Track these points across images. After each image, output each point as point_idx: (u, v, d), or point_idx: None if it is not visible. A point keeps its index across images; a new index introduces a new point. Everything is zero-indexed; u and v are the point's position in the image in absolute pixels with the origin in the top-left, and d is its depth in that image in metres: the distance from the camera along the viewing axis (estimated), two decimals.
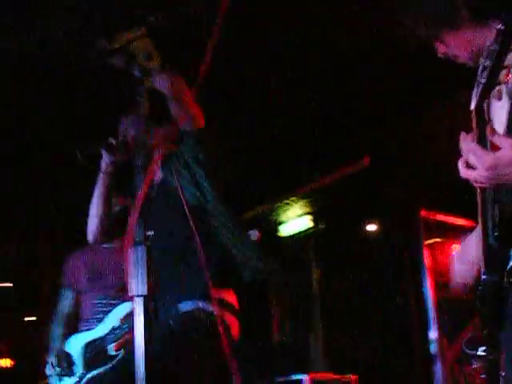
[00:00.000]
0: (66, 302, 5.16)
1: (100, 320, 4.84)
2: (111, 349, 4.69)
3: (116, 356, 4.67)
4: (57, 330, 5.13)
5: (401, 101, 6.51)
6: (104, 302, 4.88)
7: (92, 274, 4.98)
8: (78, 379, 4.77)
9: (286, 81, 6.21)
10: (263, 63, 5.93)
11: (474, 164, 1.96)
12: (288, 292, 9.42)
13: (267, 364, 8.07)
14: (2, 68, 5.51)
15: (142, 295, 1.92)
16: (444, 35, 2.34)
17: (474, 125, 1.99)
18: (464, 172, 2.01)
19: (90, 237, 4.40)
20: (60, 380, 4.89)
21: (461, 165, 2.02)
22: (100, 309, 4.87)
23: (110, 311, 4.82)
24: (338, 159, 7.51)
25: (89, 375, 4.73)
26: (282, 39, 5.68)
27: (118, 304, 4.81)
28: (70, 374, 4.82)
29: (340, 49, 5.83)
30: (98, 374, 4.70)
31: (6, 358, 11.02)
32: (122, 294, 4.82)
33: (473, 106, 1.99)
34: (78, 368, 4.80)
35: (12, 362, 11.03)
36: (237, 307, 3.74)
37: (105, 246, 5.10)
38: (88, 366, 4.75)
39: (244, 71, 5.98)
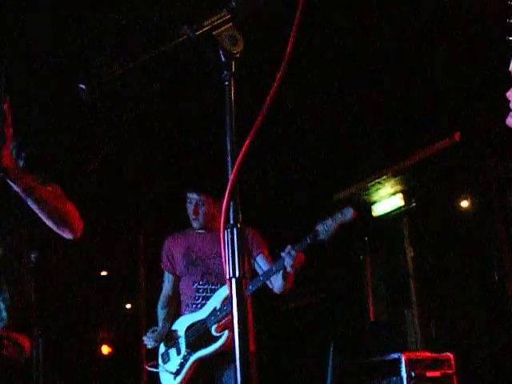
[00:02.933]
0: (166, 285, 5.28)
1: (201, 304, 4.93)
2: (214, 330, 4.78)
3: (219, 337, 4.76)
4: (162, 311, 5.26)
5: (490, 73, 6.39)
6: (204, 287, 4.97)
7: (190, 259, 5.06)
8: (182, 359, 4.88)
9: (376, 58, 6.15)
10: (353, 40, 5.89)
11: None
12: (383, 271, 9.38)
13: (364, 343, 8.05)
14: None
15: (234, 277, 1.94)
16: None
17: None
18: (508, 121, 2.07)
19: None
20: (167, 358, 5.02)
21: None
22: (200, 294, 4.96)
23: (210, 296, 4.91)
24: (428, 136, 7.43)
25: (194, 355, 4.85)
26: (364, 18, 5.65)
27: (217, 288, 4.91)
28: (177, 353, 4.94)
29: (426, 23, 5.76)
30: (203, 355, 4.80)
31: (106, 344, 11.25)
32: (221, 277, 4.92)
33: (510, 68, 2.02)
34: (183, 348, 4.92)
35: (112, 349, 11.25)
36: None
37: (199, 231, 5.19)
38: (193, 347, 4.86)
39: (332, 48, 5.95)
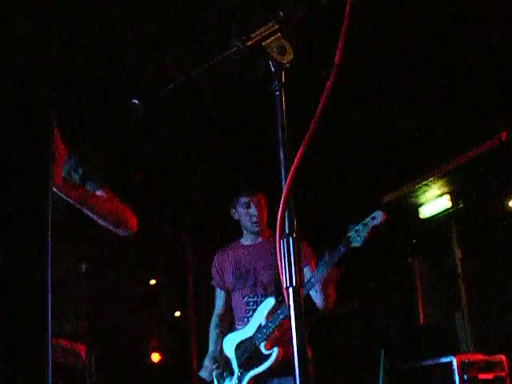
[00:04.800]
0: (218, 302, 5.23)
1: (251, 317, 4.90)
2: (263, 347, 4.73)
3: (270, 355, 4.71)
4: (213, 332, 5.21)
5: None
6: (254, 299, 4.91)
7: (239, 273, 5.03)
8: (237, 380, 4.82)
9: (424, 59, 6.12)
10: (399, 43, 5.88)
11: None
12: (432, 273, 9.32)
13: (414, 347, 8.01)
14: None
15: (291, 286, 1.94)
16: None
17: None
18: None
19: None
20: (221, 380, 4.94)
21: None
22: (250, 307, 4.92)
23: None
24: (474, 136, 7.37)
25: (248, 375, 4.78)
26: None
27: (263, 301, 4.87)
28: (230, 374, 4.89)
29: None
30: (256, 373, 4.76)
31: (156, 352, 11.31)
32: (270, 289, 4.89)
33: None
34: (236, 369, 4.87)
35: (162, 357, 11.31)
36: None
37: (246, 243, 5.17)
38: (245, 367, 4.80)
39: (381, 46, 5.93)
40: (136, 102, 2.07)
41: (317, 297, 4.79)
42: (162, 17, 5.08)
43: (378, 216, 4.45)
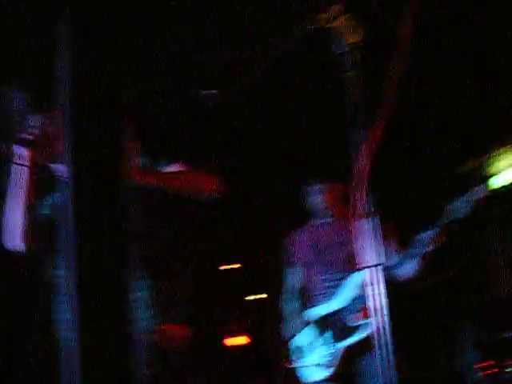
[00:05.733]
0: (296, 278, 5.26)
1: (329, 294, 4.91)
2: (350, 320, 4.75)
3: (357, 327, 4.73)
4: (290, 305, 5.26)
5: None
6: (331, 276, 4.94)
7: (317, 250, 5.05)
8: (327, 352, 4.83)
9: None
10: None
11: None
12: (504, 244, 9.19)
13: (487, 320, 7.92)
14: None
15: (379, 264, 1.97)
16: None
17: None
18: None
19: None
20: (308, 353, 4.98)
21: None
22: (328, 283, 4.94)
23: (338, 284, 4.89)
24: None
25: (338, 346, 4.81)
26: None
27: (345, 277, 4.88)
28: (318, 346, 4.92)
29: None
30: (347, 345, 4.78)
31: (242, 335, 11.38)
32: (348, 266, 4.90)
33: None
34: (324, 341, 4.89)
35: (248, 340, 11.37)
36: None
37: (323, 221, 5.20)
38: (334, 339, 4.83)
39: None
40: (214, 91, 2.12)
41: (407, 267, 4.75)
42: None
43: (481, 190, 4.41)
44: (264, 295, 11.08)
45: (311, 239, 5.12)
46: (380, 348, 1.89)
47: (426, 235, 4.52)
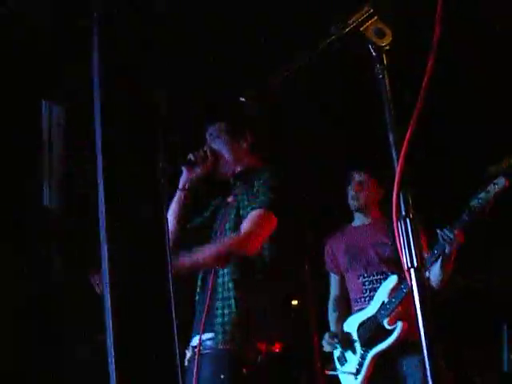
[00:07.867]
0: (333, 287, 5.28)
1: (369, 298, 4.91)
2: (387, 323, 4.74)
3: (393, 330, 4.72)
4: (332, 315, 5.28)
5: None
6: (369, 279, 4.94)
7: (352, 254, 5.05)
8: (360, 359, 4.85)
9: None
10: None
11: None
12: None
13: None
14: None
15: (412, 267, 1.95)
16: None
17: None
18: None
19: None
20: (344, 360, 5.00)
21: None
22: (367, 286, 4.94)
23: (376, 288, 4.88)
24: None
25: (371, 352, 4.81)
26: None
27: (382, 279, 4.87)
28: (353, 353, 4.93)
29: None
30: (380, 350, 4.78)
31: (277, 342, 11.33)
32: (384, 268, 4.89)
33: None
34: (358, 348, 4.90)
35: (281, 346, 11.34)
36: None
37: (356, 224, 5.19)
38: (368, 344, 4.83)
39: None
40: (245, 99, 2.12)
41: (434, 272, 4.70)
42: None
43: (501, 182, 4.38)
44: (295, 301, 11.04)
45: (346, 243, 5.13)
46: (426, 352, 1.88)
47: (447, 234, 4.48)
